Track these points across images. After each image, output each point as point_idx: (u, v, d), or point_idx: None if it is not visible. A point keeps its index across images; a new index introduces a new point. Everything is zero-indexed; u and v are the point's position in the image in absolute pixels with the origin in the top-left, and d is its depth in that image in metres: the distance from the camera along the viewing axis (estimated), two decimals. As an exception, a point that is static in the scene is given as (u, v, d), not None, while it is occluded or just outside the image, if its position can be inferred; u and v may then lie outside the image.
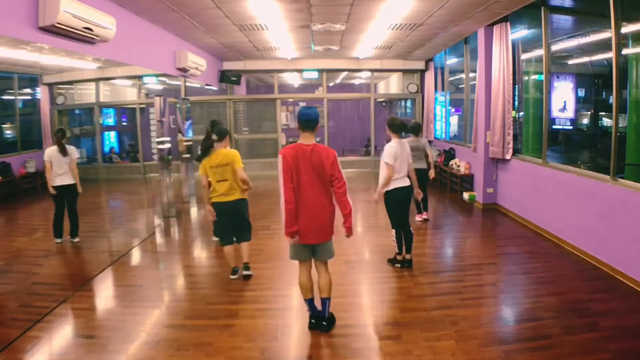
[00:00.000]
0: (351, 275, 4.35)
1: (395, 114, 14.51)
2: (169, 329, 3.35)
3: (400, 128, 4.40)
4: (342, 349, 3.05)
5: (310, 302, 3.30)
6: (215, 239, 5.31)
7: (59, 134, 5.35)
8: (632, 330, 3.17)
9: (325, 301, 3.28)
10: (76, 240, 5.49)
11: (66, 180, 5.28)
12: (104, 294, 4.17)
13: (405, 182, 4.37)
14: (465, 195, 7.70)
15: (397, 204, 4.39)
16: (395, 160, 4.24)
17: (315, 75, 11.24)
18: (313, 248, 3.22)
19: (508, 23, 6.25)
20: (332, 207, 3.17)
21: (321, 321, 3.29)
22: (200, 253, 5.40)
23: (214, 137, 4.09)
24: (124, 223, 7.22)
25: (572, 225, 4.99)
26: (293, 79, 13.52)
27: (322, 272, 3.27)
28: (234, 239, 4.31)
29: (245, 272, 4.29)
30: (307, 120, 3.10)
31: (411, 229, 4.52)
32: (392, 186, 4.30)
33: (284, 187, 3.01)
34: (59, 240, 5.47)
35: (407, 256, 4.49)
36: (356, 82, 14.92)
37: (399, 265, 4.50)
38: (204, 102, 11.71)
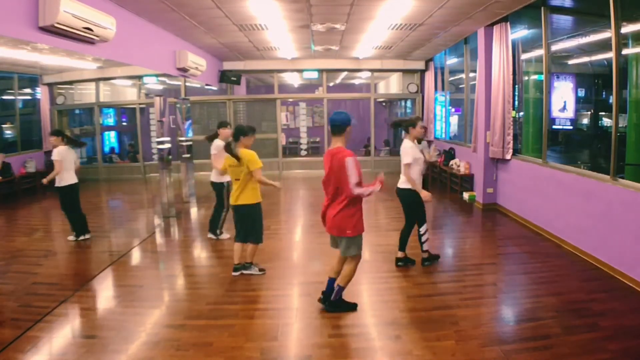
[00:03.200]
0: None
1: (395, 114, 14.52)
2: (169, 329, 3.35)
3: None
4: (342, 349, 3.05)
5: (330, 281, 3.58)
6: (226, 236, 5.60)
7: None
8: (632, 330, 3.17)
9: (332, 281, 3.57)
10: (71, 239, 5.55)
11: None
12: (104, 294, 4.17)
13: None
14: (465, 195, 7.70)
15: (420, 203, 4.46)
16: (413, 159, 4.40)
17: (315, 75, 11.24)
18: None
19: (508, 23, 6.25)
20: (341, 207, 3.33)
21: (325, 300, 3.58)
22: (200, 253, 5.40)
23: (230, 139, 4.21)
24: (124, 223, 7.22)
25: (572, 225, 4.99)
26: (293, 79, 13.52)
27: (345, 263, 3.53)
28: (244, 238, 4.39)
29: (243, 271, 4.38)
30: (332, 125, 3.35)
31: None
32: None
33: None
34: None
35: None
36: (356, 82, 14.92)
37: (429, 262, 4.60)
38: (204, 102, 11.71)
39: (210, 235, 5.66)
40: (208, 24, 6.57)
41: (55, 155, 5.28)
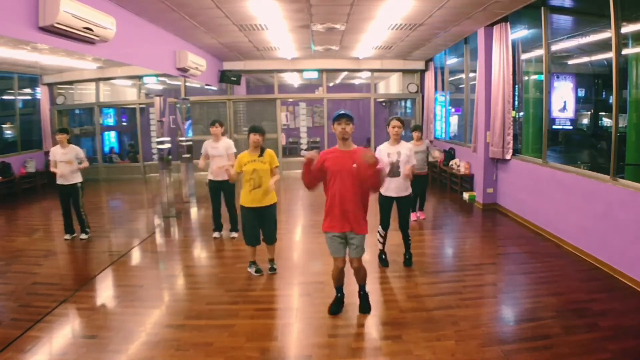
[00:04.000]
0: (350, 275, 4.34)
1: (395, 115, 14.53)
2: (169, 329, 3.35)
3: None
4: (342, 349, 3.05)
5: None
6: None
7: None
8: (632, 330, 3.17)
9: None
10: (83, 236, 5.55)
11: None
12: (104, 293, 4.17)
13: None
14: (465, 195, 7.70)
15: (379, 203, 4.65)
16: None
17: (315, 75, 11.23)
18: None
19: (508, 23, 6.25)
20: None
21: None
22: (200, 253, 5.40)
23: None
24: (124, 223, 7.22)
25: (572, 225, 4.99)
26: (293, 79, 13.51)
27: None
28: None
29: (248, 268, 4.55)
30: None
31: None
32: None
33: None
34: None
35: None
36: (356, 82, 14.91)
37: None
38: (204, 102, 11.71)
39: (233, 235, 5.74)
40: (208, 24, 6.57)
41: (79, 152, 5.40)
